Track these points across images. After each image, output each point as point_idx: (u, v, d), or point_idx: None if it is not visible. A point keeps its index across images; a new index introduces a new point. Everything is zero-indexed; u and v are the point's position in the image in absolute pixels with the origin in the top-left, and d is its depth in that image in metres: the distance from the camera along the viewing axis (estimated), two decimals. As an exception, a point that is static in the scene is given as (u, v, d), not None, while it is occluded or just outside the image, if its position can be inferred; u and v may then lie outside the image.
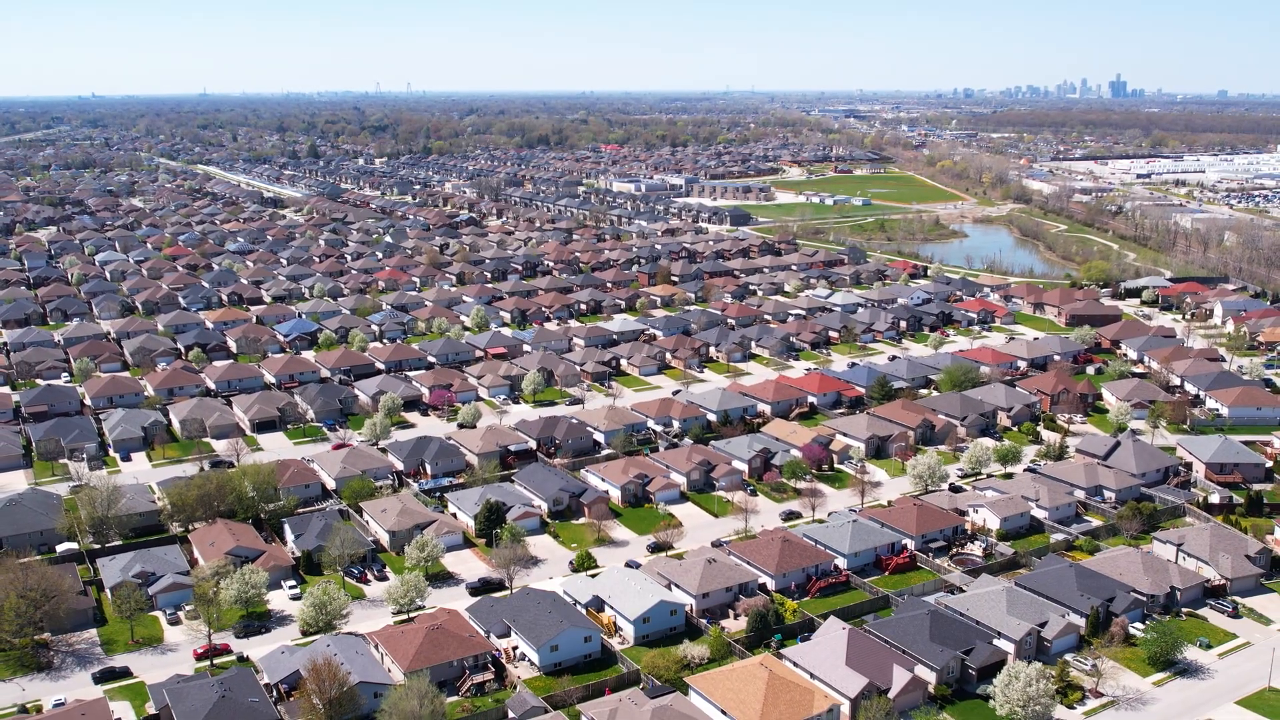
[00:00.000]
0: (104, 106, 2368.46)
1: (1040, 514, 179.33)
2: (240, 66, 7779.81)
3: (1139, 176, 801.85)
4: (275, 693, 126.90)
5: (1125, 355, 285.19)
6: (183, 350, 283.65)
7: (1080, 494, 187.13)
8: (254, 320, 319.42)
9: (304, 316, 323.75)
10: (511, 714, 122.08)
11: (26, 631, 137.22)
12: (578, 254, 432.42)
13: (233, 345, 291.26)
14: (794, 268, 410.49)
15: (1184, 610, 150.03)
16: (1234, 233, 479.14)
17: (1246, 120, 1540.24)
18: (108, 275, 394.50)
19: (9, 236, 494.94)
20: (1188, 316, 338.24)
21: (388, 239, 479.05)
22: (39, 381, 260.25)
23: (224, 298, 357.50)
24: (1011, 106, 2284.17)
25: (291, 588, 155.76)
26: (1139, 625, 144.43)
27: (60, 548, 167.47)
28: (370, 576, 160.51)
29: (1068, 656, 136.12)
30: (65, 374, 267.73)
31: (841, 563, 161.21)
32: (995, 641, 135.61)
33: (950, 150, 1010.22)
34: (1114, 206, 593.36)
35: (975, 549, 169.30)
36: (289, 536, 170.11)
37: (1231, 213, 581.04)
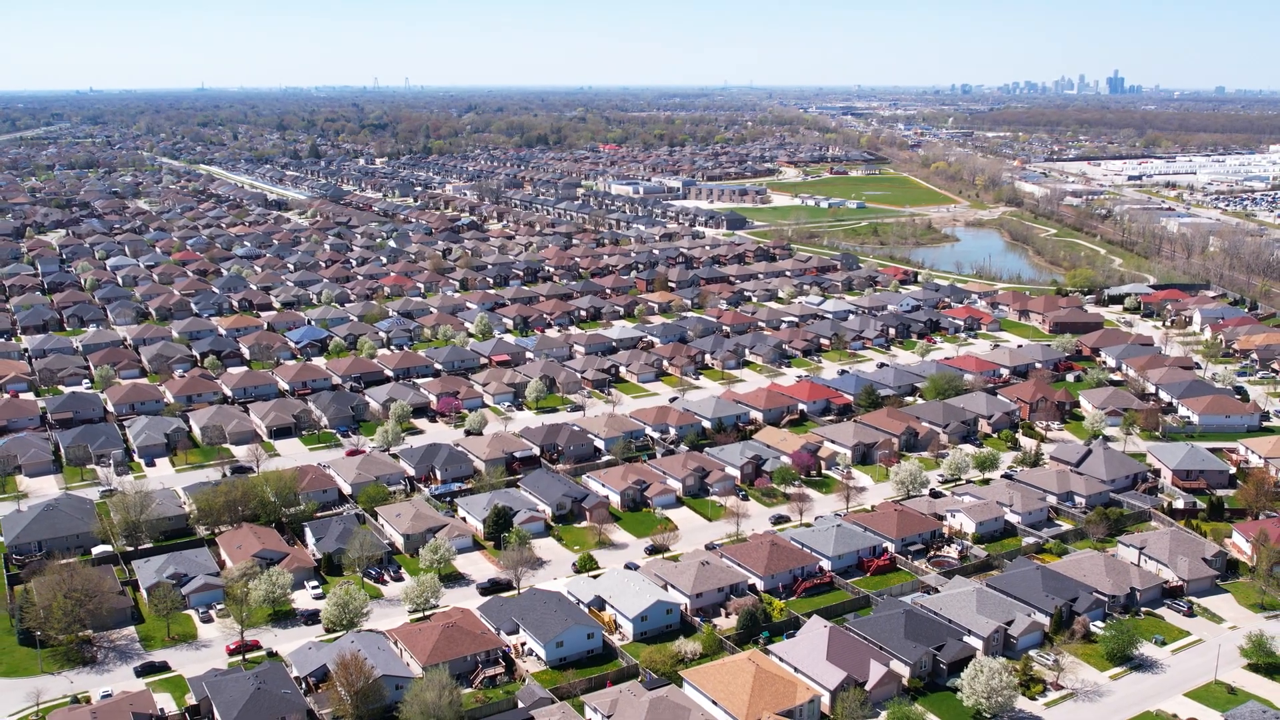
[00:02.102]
0: (103, 102, 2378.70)
1: (1014, 518, 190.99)
2: (237, 61, 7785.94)
3: (1131, 178, 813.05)
4: (304, 685, 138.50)
5: (1104, 363, 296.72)
6: (198, 357, 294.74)
7: (1052, 499, 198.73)
8: (265, 327, 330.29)
9: (313, 323, 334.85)
10: (521, 704, 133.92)
11: (72, 629, 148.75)
12: (577, 259, 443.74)
13: (246, 352, 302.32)
14: (788, 274, 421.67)
15: (1143, 610, 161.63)
16: (1218, 238, 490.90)
17: (1241, 119, 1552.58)
18: (119, 280, 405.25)
19: (19, 240, 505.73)
20: (1167, 324, 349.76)
21: (391, 244, 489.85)
22: (62, 388, 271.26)
23: (234, 304, 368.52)
24: (1008, 104, 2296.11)
25: (314, 588, 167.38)
26: (1099, 624, 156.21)
27: (95, 550, 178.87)
28: (387, 577, 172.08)
29: (1032, 652, 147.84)
30: (86, 380, 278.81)
31: (826, 565, 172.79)
32: (965, 638, 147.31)
33: (945, 151, 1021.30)
34: (1103, 210, 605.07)
35: (951, 551, 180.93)
36: (310, 540, 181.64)
37: (1220, 216, 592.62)
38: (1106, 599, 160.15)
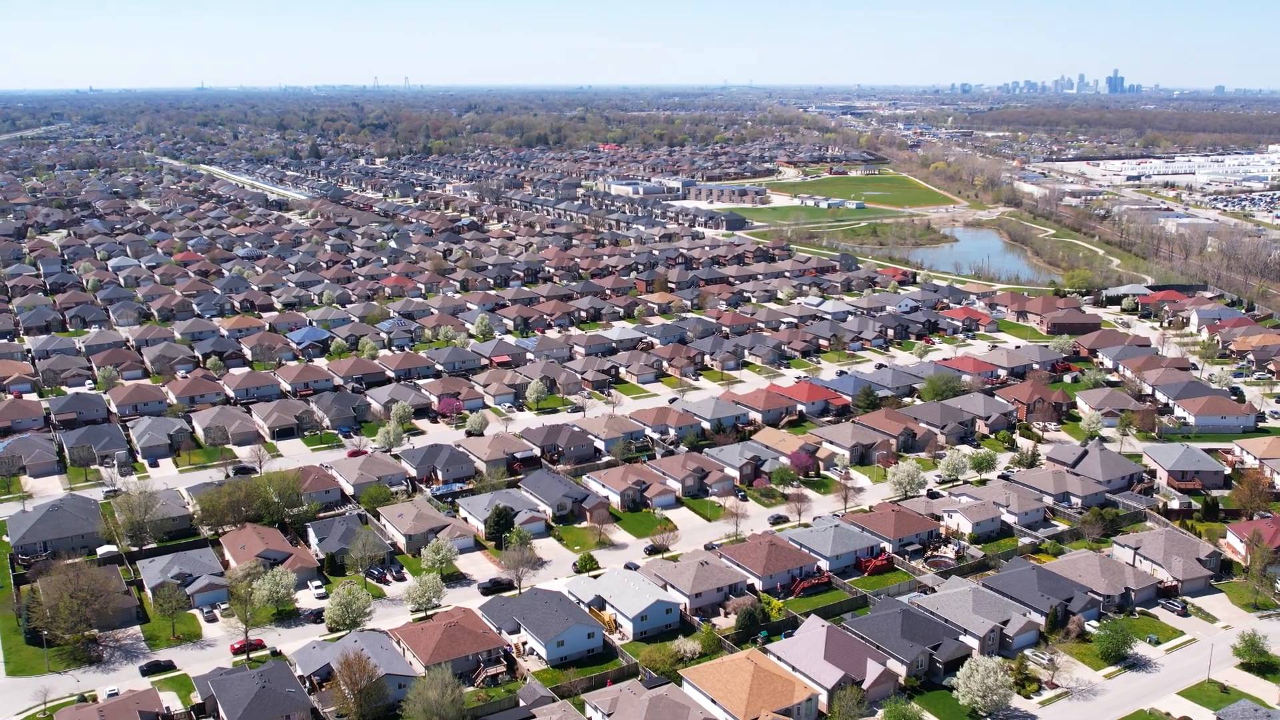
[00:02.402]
0: (103, 101, 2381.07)
1: (1010, 519, 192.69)
2: (237, 60, 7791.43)
3: (1129, 179, 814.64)
4: (308, 684, 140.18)
5: (1102, 364, 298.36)
6: (201, 358, 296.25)
7: (1049, 500, 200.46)
8: (267, 328, 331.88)
9: (315, 324, 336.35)
10: (522, 703, 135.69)
11: (78, 628, 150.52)
12: (577, 260, 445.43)
13: (248, 353, 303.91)
14: (787, 274, 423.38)
15: (1137, 609, 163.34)
16: (1216, 239, 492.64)
17: (1239, 119, 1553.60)
18: (121, 281, 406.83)
19: (22, 240, 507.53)
20: (1165, 324, 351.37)
21: (392, 244, 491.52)
22: (65, 389, 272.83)
23: (236, 305, 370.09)
24: (1008, 103, 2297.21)
25: (317, 588, 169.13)
26: (1094, 623, 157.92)
27: (100, 550, 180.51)
28: (389, 578, 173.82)
29: (1027, 651, 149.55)
30: (89, 381, 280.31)
31: (824, 565, 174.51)
32: (961, 638, 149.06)
33: (944, 151, 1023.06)
34: (1101, 210, 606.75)
35: (948, 552, 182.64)
36: (312, 540, 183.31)
37: (1219, 217, 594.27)
38: (1101, 599, 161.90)
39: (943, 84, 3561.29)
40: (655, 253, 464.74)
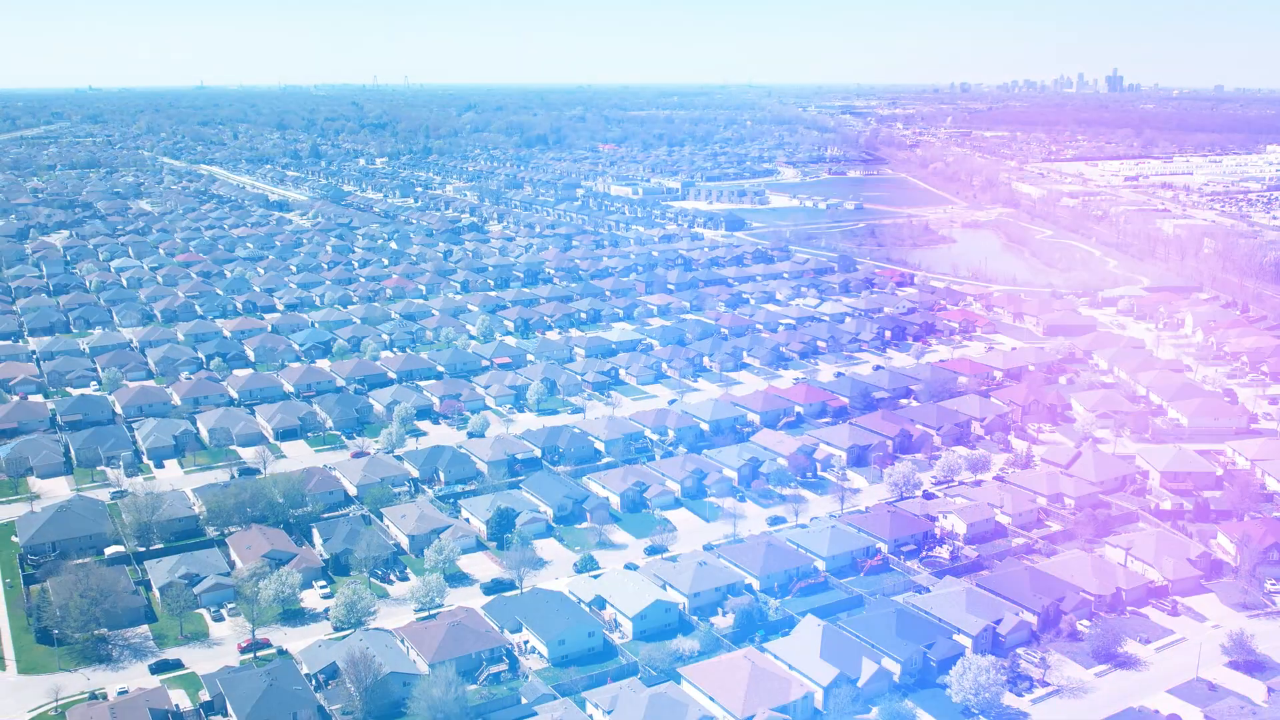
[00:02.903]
0: (102, 100, 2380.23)
1: (1004, 519, 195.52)
2: (236, 58, 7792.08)
3: (1128, 179, 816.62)
4: (315, 682, 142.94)
5: (1097, 365, 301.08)
6: (204, 360, 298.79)
7: (1042, 500, 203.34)
8: (269, 329, 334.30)
9: (317, 325, 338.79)
10: (524, 700, 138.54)
11: (88, 627, 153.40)
12: (577, 260, 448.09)
13: (251, 354, 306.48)
14: (785, 275, 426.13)
15: (1128, 609, 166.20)
16: (1212, 240, 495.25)
17: (1238, 119, 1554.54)
18: (125, 282, 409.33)
19: (24, 241, 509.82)
20: (1160, 326, 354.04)
21: (393, 245, 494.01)
22: (70, 390, 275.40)
23: (238, 306, 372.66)
24: (1007, 103, 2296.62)
25: (322, 587, 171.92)
26: (1086, 622, 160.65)
27: (108, 551, 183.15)
28: (393, 577, 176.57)
29: (1019, 650, 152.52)
30: (94, 382, 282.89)
31: (821, 565, 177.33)
32: (955, 637, 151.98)
33: (943, 151, 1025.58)
34: (1099, 212, 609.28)
35: (943, 552, 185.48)
36: (317, 540, 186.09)
37: (1216, 218, 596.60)
38: (1093, 598, 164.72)
39: (942, 83, 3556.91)
40: (654, 254, 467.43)
